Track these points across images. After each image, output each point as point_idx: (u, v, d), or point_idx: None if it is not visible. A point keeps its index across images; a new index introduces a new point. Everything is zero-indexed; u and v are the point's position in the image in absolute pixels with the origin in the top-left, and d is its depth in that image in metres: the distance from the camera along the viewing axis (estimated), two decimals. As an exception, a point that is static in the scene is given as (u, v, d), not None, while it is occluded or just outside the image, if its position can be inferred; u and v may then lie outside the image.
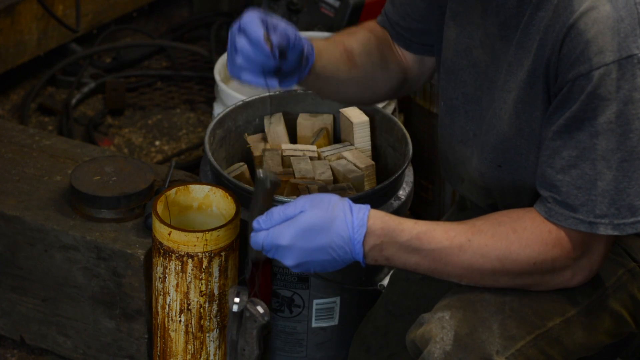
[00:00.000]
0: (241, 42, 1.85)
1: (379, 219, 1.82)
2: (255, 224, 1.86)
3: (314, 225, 1.81)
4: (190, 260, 2.11)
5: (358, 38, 2.13)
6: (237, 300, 2.06)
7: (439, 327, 1.83)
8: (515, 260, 1.80)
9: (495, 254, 1.79)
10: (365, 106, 2.57)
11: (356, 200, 2.29)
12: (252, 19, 1.84)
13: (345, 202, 1.83)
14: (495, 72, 1.90)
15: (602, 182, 1.73)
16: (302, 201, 1.83)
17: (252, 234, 1.87)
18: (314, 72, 2.00)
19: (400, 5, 2.12)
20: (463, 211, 2.21)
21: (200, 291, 2.14)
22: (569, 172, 1.75)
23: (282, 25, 1.87)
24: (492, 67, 1.90)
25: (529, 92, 1.82)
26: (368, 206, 1.84)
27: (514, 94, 1.84)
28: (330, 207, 1.82)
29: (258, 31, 1.83)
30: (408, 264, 1.84)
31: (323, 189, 2.41)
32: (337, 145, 2.59)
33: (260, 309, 2.03)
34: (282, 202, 2.23)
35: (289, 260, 1.84)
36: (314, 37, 2.06)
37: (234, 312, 2.06)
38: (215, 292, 2.16)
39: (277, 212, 1.84)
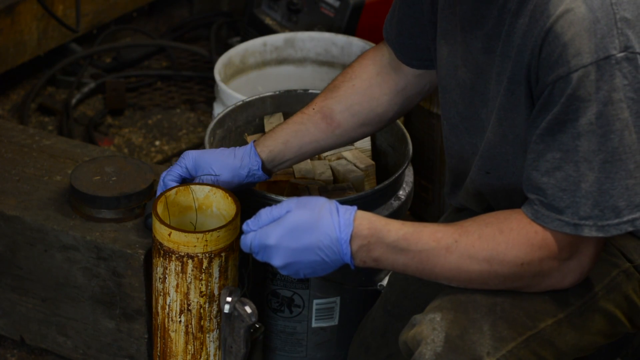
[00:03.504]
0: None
1: (366, 219, 1.83)
2: (244, 226, 1.89)
3: (300, 224, 1.82)
4: (190, 261, 2.11)
5: (340, 95, 2.22)
6: (229, 299, 2.07)
7: (430, 329, 1.83)
8: (503, 261, 1.79)
9: (482, 255, 1.80)
10: None
11: (356, 200, 2.30)
12: (163, 181, 2.20)
13: (332, 203, 1.85)
14: (485, 85, 1.90)
15: (585, 184, 1.73)
16: (289, 202, 1.85)
17: (242, 237, 1.89)
18: (284, 162, 2.23)
19: (397, 22, 2.15)
20: (461, 212, 2.21)
21: (201, 292, 2.14)
22: (554, 174, 1.75)
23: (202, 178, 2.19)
24: (480, 82, 1.91)
25: (510, 98, 1.82)
26: (355, 207, 1.85)
27: (497, 102, 1.85)
28: (317, 207, 1.83)
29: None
30: (396, 265, 1.84)
31: (323, 189, 2.42)
32: (337, 146, 2.59)
33: (248, 309, 2.04)
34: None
35: (276, 260, 1.85)
36: (282, 129, 2.22)
37: (226, 313, 2.07)
38: (216, 292, 2.16)
39: (264, 213, 1.87)
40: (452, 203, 2.17)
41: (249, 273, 2.16)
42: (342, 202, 1.91)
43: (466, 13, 1.89)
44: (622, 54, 1.70)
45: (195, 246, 2.10)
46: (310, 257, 1.84)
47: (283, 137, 2.20)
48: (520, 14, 1.79)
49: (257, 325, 2.10)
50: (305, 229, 1.82)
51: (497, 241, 1.79)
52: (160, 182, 2.20)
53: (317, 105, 2.23)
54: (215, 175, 2.17)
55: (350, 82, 2.22)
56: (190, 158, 2.18)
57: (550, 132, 1.75)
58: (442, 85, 2.02)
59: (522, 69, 1.79)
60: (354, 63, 2.27)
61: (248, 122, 2.64)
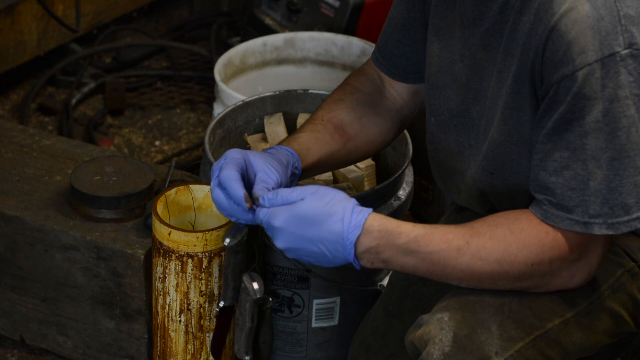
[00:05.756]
0: (219, 197, 1.89)
1: (377, 222, 1.82)
2: (261, 200, 1.85)
3: (308, 215, 1.81)
4: (190, 260, 2.12)
5: (346, 106, 2.12)
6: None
7: (438, 328, 1.83)
8: (513, 262, 1.79)
9: (493, 256, 1.79)
10: None
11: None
12: (230, 176, 1.87)
13: (350, 202, 1.82)
14: (480, 82, 1.90)
15: (593, 182, 1.73)
16: (308, 189, 1.83)
17: (257, 209, 1.86)
18: (305, 171, 2.04)
19: (392, 33, 2.13)
20: (462, 212, 2.21)
21: (200, 291, 2.15)
22: (562, 173, 1.75)
23: (261, 173, 1.90)
24: (475, 78, 1.90)
25: (515, 97, 1.82)
26: (370, 210, 1.83)
27: (502, 100, 1.85)
28: (332, 202, 1.81)
29: (239, 192, 1.87)
30: (406, 267, 1.84)
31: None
32: (337, 145, 2.59)
33: (255, 285, 2.03)
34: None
35: (279, 242, 1.84)
36: (301, 136, 2.05)
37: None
38: (215, 292, 2.16)
39: (282, 193, 1.84)
40: (452, 200, 2.16)
41: (259, 247, 2.14)
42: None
43: (466, 9, 1.89)
44: (626, 51, 1.70)
45: (195, 245, 2.10)
46: (313, 248, 1.83)
47: (306, 144, 2.06)
48: (524, 11, 1.78)
49: (266, 299, 2.06)
50: (312, 221, 1.81)
51: (508, 242, 1.79)
52: (227, 179, 1.87)
53: (325, 116, 2.12)
54: (275, 177, 1.94)
55: (354, 95, 2.15)
56: (241, 158, 1.92)
57: (557, 131, 1.75)
58: (432, 82, 2.01)
59: (527, 67, 1.78)
60: (349, 80, 2.19)
61: (248, 122, 2.64)
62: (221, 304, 2.09)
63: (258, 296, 2.02)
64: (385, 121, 2.16)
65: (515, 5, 1.80)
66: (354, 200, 1.83)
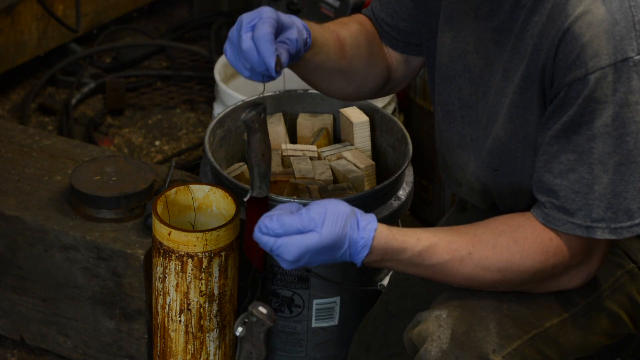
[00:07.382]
0: (252, 53, 1.80)
1: (383, 240, 1.80)
2: (263, 228, 1.79)
3: (323, 246, 1.78)
4: (190, 260, 2.11)
5: (350, 29, 2.07)
6: (242, 323, 1.99)
7: (436, 326, 1.83)
8: (517, 271, 1.80)
9: (496, 265, 1.80)
10: (347, 101, 2.47)
11: (356, 200, 2.29)
12: (266, 37, 1.78)
13: (354, 216, 1.80)
14: (490, 76, 1.89)
15: (599, 186, 1.73)
16: (316, 216, 1.77)
17: (262, 237, 1.79)
18: (304, 58, 1.92)
19: (388, 2, 2.11)
20: (463, 212, 2.21)
21: (200, 291, 2.15)
22: (567, 176, 1.75)
23: (290, 33, 1.83)
24: (487, 72, 1.90)
25: (523, 96, 1.82)
26: (375, 223, 1.80)
27: (509, 99, 1.85)
28: (342, 224, 1.78)
29: (271, 56, 1.77)
30: (408, 273, 1.86)
31: (323, 189, 2.41)
32: (337, 145, 2.59)
33: (264, 310, 1.98)
34: (282, 202, 2.23)
35: (287, 266, 1.82)
36: (313, 26, 1.96)
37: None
38: (215, 292, 2.16)
39: (286, 221, 1.77)
40: (453, 192, 2.15)
41: (260, 277, 2.13)
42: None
43: (480, 3, 1.88)
44: (639, 57, 1.70)
45: (195, 245, 2.10)
46: (324, 263, 1.83)
47: (315, 32, 1.94)
48: (535, 11, 1.78)
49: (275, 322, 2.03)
50: (327, 249, 1.79)
51: (511, 251, 1.79)
52: (262, 40, 1.78)
53: (331, 27, 2.02)
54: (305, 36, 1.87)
55: (358, 26, 2.09)
56: (275, 19, 1.82)
57: (565, 133, 1.75)
58: (443, 72, 2.00)
59: (537, 68, 1.78)
60: (355, 15, 2.15)
61: (248, 122, 2.63)
62: (248, 195, 1.96)
63: (274, 323, 1.98)
64: (376, 67, 2.12)
65: (526, 5, 1.80)
66: (356, 212, 1.80)
